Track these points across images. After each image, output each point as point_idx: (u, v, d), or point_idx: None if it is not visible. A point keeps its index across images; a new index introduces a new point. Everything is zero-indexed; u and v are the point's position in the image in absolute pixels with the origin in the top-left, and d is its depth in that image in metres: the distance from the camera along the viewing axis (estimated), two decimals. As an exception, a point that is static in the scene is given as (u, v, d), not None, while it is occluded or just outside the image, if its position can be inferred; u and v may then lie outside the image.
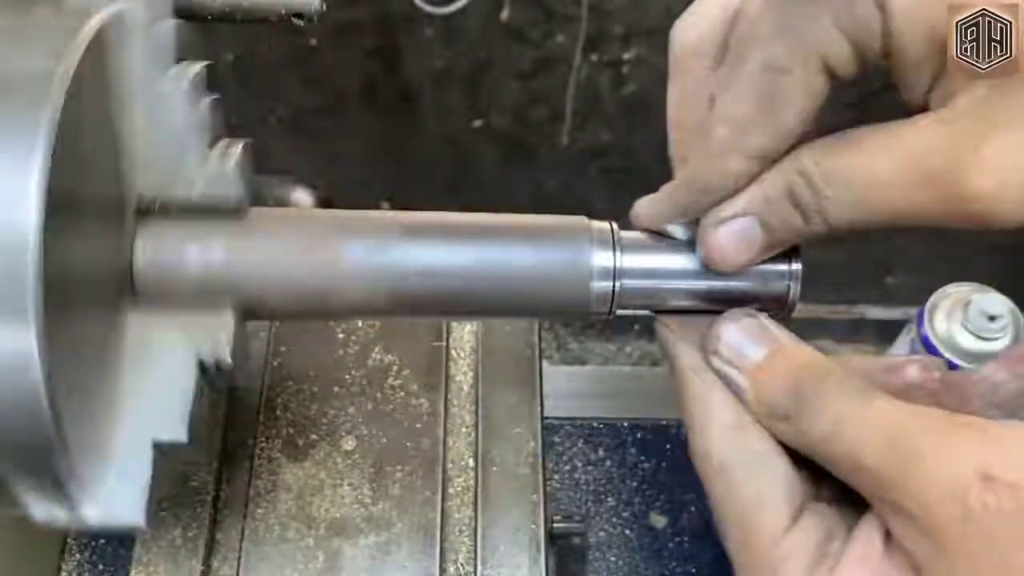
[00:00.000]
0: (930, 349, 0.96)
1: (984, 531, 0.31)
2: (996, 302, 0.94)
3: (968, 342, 0.94)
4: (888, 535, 0.34)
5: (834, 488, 0.37)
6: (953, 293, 0.98)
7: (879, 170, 0.36)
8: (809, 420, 0.36)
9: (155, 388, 0.38)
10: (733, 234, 0.39)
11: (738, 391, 0.38)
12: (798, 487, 0.37)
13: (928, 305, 0.98)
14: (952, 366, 0.94)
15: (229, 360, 0.39)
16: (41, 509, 0.36)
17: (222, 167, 0.39)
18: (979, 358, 0.94)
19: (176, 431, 0.38)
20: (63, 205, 0.31)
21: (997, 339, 0.94)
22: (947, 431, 0.33)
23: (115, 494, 0.37)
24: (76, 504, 0.36)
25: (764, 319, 0.40)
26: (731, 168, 0.38)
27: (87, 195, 0.35)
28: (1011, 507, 0.31)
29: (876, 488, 0.34)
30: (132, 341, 0.39)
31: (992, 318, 0.93)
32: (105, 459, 0.37)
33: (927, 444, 0.33)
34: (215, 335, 0.39)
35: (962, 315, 0.95)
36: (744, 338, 0.39)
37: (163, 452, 0.38)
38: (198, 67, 0.40)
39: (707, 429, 0.38)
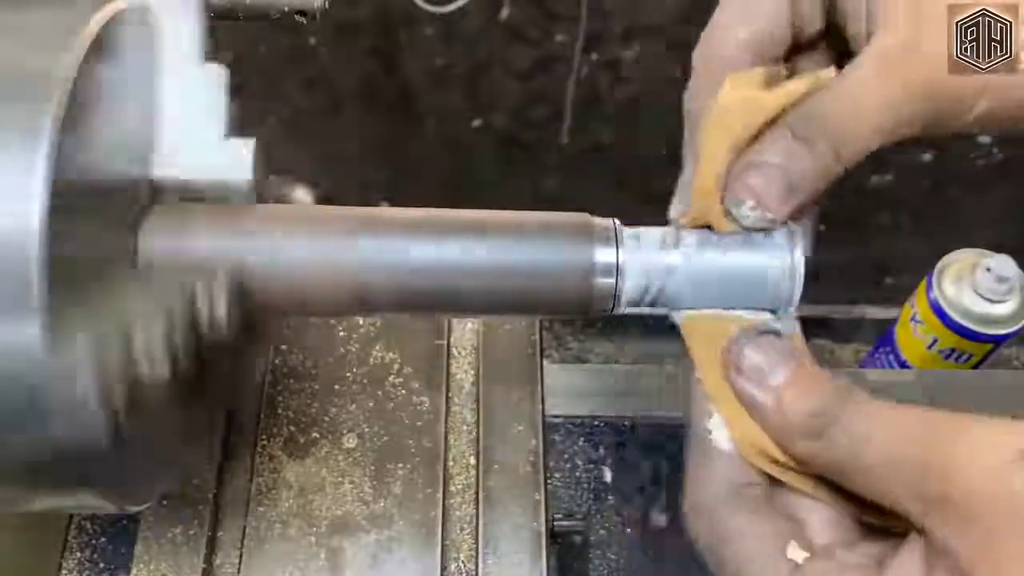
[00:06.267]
0: (939, 313, 0.95)
1: None
2: (1006, 263, 0.93)
3: (977, 305, 0.94)
4: (926, 557, 0.34)
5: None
6: (963, 257, 0.97)
7: (858, 87, 0.39)
8: (840, 429, 0.36)
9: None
10: (760, 177, 0.40)
11: (761, 411, 0.39)
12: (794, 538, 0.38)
13: (937, 269, 0.97)
14: (962, 330, 0.94)
15: (223, 311, 0.37)
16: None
17: (237, 153, 0.40)
18: (987, 321, 0.94)
19: None
20: (68, 199, 0.31)
21: (1005, 301, 0.94)
22: (980, 422, 0.33)
23: None
24: None
25: (781, 339, 0.40)
26: (727, 52, 0.42)
27: (94, 184, 0.35)
28: None
29: (915, 484, 0.34)
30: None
31: (1001, 279, 0.92)
32: None
33: (963, 433, 0.33)
34: (210, 288, 0.37)
35: (971, 278, 0.94)
36: (766, 359, 0.39)
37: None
38: (223, 67, 0.41)
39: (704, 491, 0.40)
